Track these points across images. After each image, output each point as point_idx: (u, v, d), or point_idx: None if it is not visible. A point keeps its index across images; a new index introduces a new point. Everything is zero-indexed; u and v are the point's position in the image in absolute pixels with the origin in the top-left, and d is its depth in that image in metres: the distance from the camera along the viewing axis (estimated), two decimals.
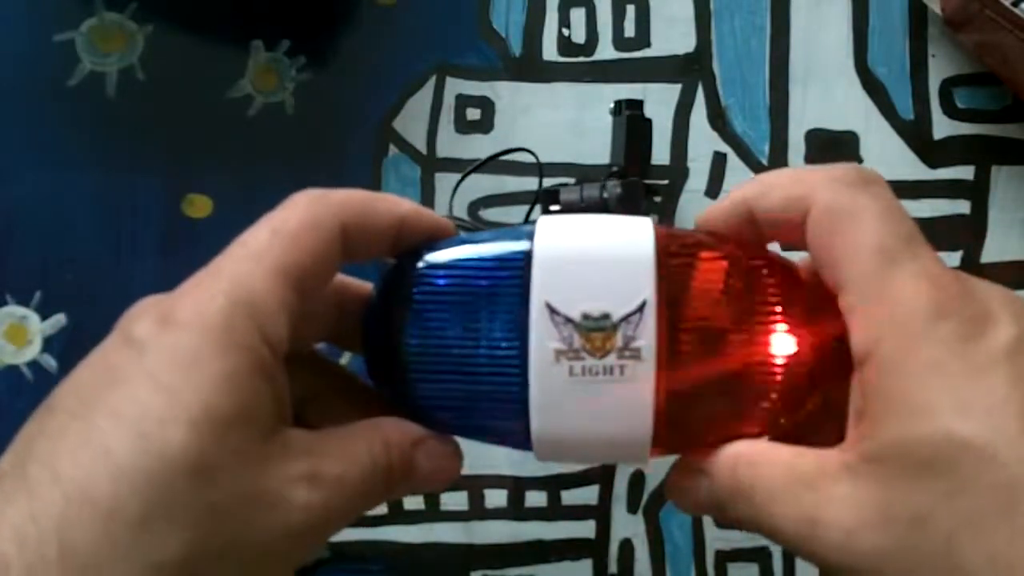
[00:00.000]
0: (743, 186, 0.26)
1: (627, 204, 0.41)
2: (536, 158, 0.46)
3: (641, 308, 0.25)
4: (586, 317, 0.24)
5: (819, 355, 0.25)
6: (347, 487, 0.23)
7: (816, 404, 0.26)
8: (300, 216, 0.24)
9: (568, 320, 0.25)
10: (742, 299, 0.26)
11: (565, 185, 0.44)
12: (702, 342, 0.25)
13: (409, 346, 0.26)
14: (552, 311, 0.25)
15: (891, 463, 0.21)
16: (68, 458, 0.20)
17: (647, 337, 0.24)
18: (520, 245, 0.26)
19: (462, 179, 0.46)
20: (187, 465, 0.20)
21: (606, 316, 0.24)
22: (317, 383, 0.28)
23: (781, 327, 0.25)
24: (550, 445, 0.26)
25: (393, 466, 0.25)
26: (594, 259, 0.25)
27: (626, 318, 0.25)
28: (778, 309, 0.26)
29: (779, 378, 0.25)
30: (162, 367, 0.21)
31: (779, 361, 0.25)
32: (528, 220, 0.46)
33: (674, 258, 0.25)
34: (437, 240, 0.27)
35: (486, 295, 0.25)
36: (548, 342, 0.25)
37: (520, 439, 0.26)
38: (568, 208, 0.43)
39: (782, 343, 0.25)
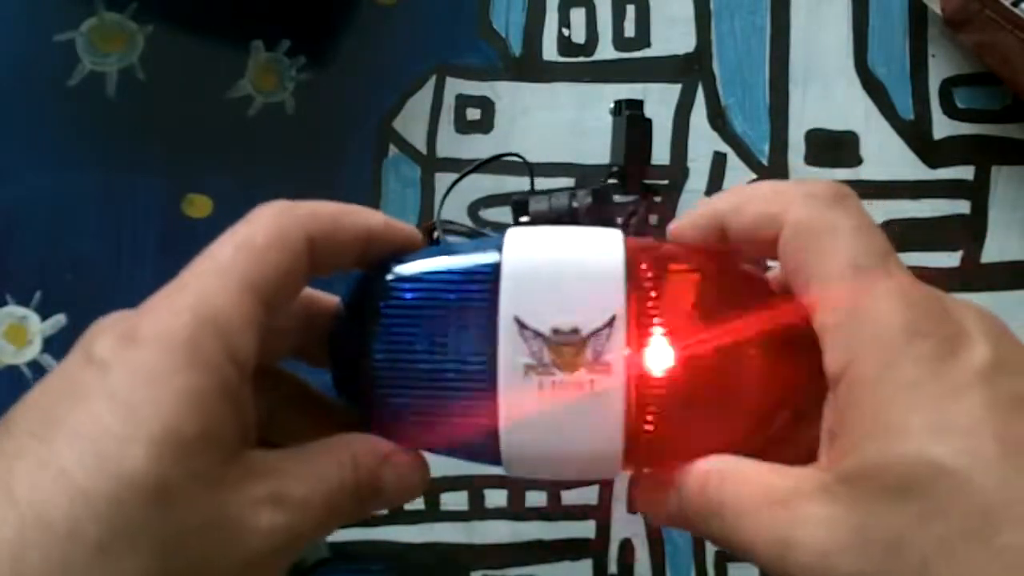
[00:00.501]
0: (716, 198, 0.26)
1: (597, 213, 0.41)
2: (527, 163, 0.46)
3: (611, 322, 0.24)
4: (556, 331, 0.24)
5: (791, 371, 0.25)
6: (313, 508, 0.23)
7: (787, 419, 0.26)
8: (266, 229, 0.24)
9: (537, 334, 0.24)
10: (713, 312, 0.25)
11: (534, 194, 0.43)
12: (672, 356, 0.25)
13: (376, 360, 0.25)
14: (521, 325, 0.24)
15: (866, 485, 0.20)
16: (25, 479, 0.20)
17: (617, 351, 0.24)
18: (488, 258, 0.25)
19: (453, 184, 0.46)
20: (146, 487, 0.20)
21: (575, 330, 0.24)
22: (283, 399, 0.28)
23: (752, 341, 0.25)
24: (519, 461, 0.25)
25: (361, 483, 0.24)
26: (563, 272, 0.25)
27: (596, 332, 0.24)
28: (749, 323, 0.25)
29: (750, 393, 0.25)
30: (123, 385, 0.20)
31: (750, 376, 0.25)
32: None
33: (644, 271, 0.25)
34: (406, 252, 0.27)
35: (454, 309, 0.25)
36: (517, 357, 0.24)
37: (489, 454, 0.25)
38: (537, 218, 0.42)
39: (754, 358, 0.25)
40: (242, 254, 0.23)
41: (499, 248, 0.25)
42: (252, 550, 0.21)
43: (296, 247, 0.24)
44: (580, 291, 0.24)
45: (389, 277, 0.26)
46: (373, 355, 0.25)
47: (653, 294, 0.25)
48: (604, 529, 0.47)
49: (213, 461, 0.21)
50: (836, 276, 0.22)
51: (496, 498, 0.47)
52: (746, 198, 0.25)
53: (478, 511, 0.47)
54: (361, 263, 0.27)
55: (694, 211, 0.26)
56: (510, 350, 0.24)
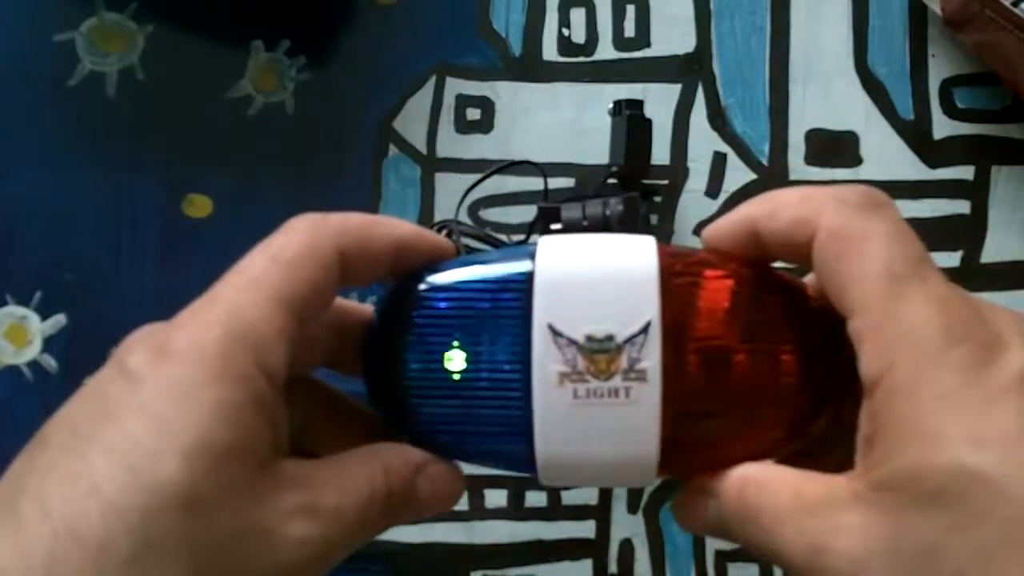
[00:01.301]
0: (750, 203, 0.26)
1: (629, 221, 0.41)
2: (541, 169, 0.46)
3: (646, 329, 0.24)
4: (590, 339, 0.24)
5: (827, 377, 0.25)
6: (345, 518, 0.23)
7: (823, 427, 0.26)
8: (298, 242, 0.24)
9: (571, 342, 0.24)
10: (748, 319, 0.25)
11: (567, 202, 0.43)
12: (707, 363, 0.25)
13: (410, 370, 0.25)
14: (555, 333, 0.24)
15: (901, 493, 0.20)
16: (58, 493, 0.20)
17: (652, 358, 0.24)
18: (522, 266, 0.25)
19: (468, 191, 0.46)
20: (178, 499, 0.20)
21: (610, 337, 0.24)
22: (315, 409, 0.28)
23: (788, 348, 0.25)
24: (555, 470, 0.25)
25: (393, 493, 0.24)
26: (597, 279, 0.25)
27: (630, 339, 0.24)
28: (784, 329, 0.25)
29: (786, 400, 0.25)
30: (155, 399, 0.21)
31: (786, 382, 0.25)
32: (529, 239, 0.46)
33: (678, 277, 0.25)
34: (437, 262, 0.27)
35: (488, 317, 0.25)
36: (551, 365, 0.24)
37: (524, 464, 0.25)
38: (570, 226, 0.42)
39: (789, 364, 0.25)
40: (274, 267, 0.23)
41: (532, 256, 0.25)
42: (284, 561, 0.21)
43: (327, 260, 0.24)
44: (614, 298, 0.24)
45: (422, 287, 0.26)
46: (407, 365, 0.25)
47: (687, 300, 0.25)
48: (604, 529, 0.47)
49: (245, 472, 0.21)
50: (871, 282, 0.22)
51: (496, 498, 0.47)
52: (780, 203, 0.25)
53: (478, 511, 0.47)
54: (392, 274, 0.27)
55: (728, 216, 0.26)
56: (544, 358, 0.24)
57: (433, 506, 0.26)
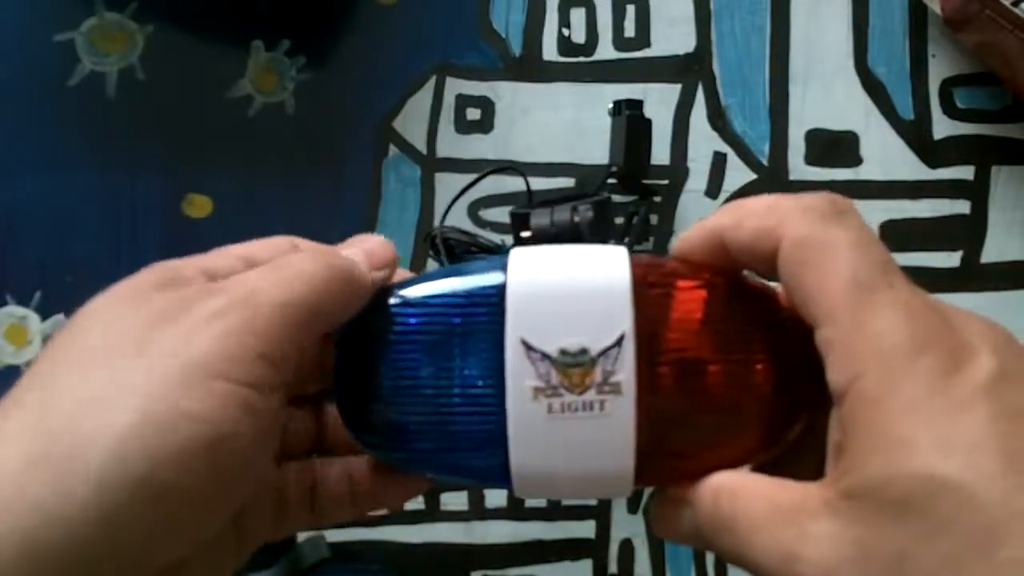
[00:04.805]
0: (718, 213, 0.25)
1: (599, 227, 0.40)
2: (523, 173, 0.46)
3: (620, 341, 0.24)
4: (563, 352, 0.24)
5: (800, 385, 0.25)
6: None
7: (797, 434, 0.26)
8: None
9: (545, 356, 0.24)
10: (720, 329, 0.25)
11: (539, 207, 0.43)
12: (681, 374, 0.25)
13: (383, 387, 0.25)
14: (528, 347, 0.24)
15: (870, 501, 0.20)
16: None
17: (626, 371, 0.24)
18: (493, 279, 0.25)
19: (452, 202, 0.45)
20: None
21: (584, 351, 0.24)
22: None
23: (760, 357, 0.25)
24: (530, 483, 0.25)
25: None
26: (569, 292, 0.24)
27: (605, 352, 0.24)
28: (757, 339, 0.25)
29: (759, 408, 0.25)
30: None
31: (759, 391, 0.25)
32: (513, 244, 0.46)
33: (651, 288, 0.25)
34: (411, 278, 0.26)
35: (460, 333, 0.25)
36: (525, 380, 0.24)
37: (499, 478, 0.25)
38: (539, 233, 0.42)
39: (762, 373, 0.25)
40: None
41: (504, 268, 0.25)
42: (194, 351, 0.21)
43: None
44: (587, 310, 0.24)
45: (393, 301, 0.26)
46: (380, 381, 0.25)
47: (660, 312, 0.25)
48: (604, 529, 0.47)
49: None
50: (836, 292, 0.22)
51: (496, 498, 0.47)
52: (744, 213, 0.24)
53: (478, 511, 0.47)
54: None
55: (696, 226, 0.26)
56: (518, 373, 0.24)
57: (376, 261, 0.26)
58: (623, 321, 0.24)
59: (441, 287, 0.26)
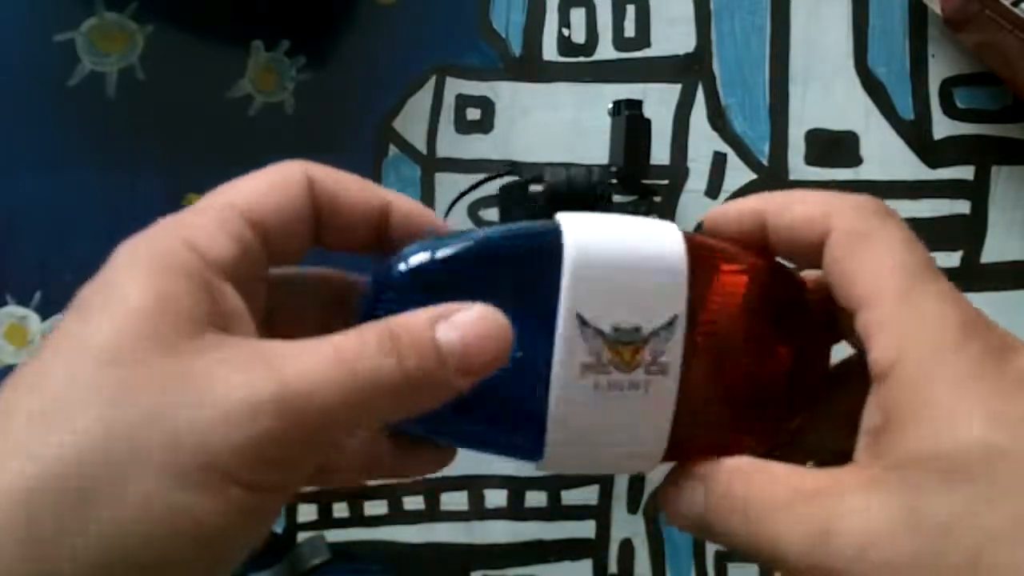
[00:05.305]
0: (761, 196, 0.26)
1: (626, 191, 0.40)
2: (519, 172, 0.46)
3: (672, 322, 0.24)
4: (616, 330, 0.23)
5: (815, 372, 0.25)
6: (316, 372, 0.20)
7: (796, 425, 0.26)
8: (264, 170, 0.25)
9: (598, 332, 0.23)
10: (757, 314, 0.25)
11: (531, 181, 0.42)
12: (718, 356, 0.25)
13: None
14: (583, 322, 0.23)
15: (921, 470, 0.21)
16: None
17: (675, 353, 0.24)
18: (547, 246, 0.23)
19: (457, 199, 0.46)
20: (95, 351, 0.20)
21: (637, 329, 0.23)
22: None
23: (787, 343, 0.25)
24: (560, 458, 0.24)
25: (396, 336, 0.20)
26: (627, 268, 0.23)
27: (656, 332, 0.23)
28: (787, 325, 0.25)
29: (783, 396, 0.25)
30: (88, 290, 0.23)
31: (782, 377, 0.25)
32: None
33: (701, 271, 0.24)
34: (443, 235, 0.24)
35: (510, 297, 0.23)
36: (576, 355, 0.23)
37: (529, 450, 0.24)
38: (552, 189, 0.41)
39: (786, 359, 0.25)
40: (228, 185, 0.25)
41: (556, 235, 0.23)
42: (218, 414, 0.19)
43: (291, 175, 0.25)
44: (643, 289, 0.24)
45: (440, 255, 0.23)
46: None
47: (707, 293, 0.25)
48: (604, 529, 0.47)
49: (171, 328, 0.20)
50: (887, 276, 0.23)
51: (496, 498, 0.47)
52: (794, 199, 0.25)
53: (478, 511, 0.47)
54: (381, 242, 0.25)
55: (735, 203, 0.26)
56: (569, 347, 0.23)
57: (476, 363, 0.21)
58: (678, 302, 0.24)
59: (489, 250, 0.24)
